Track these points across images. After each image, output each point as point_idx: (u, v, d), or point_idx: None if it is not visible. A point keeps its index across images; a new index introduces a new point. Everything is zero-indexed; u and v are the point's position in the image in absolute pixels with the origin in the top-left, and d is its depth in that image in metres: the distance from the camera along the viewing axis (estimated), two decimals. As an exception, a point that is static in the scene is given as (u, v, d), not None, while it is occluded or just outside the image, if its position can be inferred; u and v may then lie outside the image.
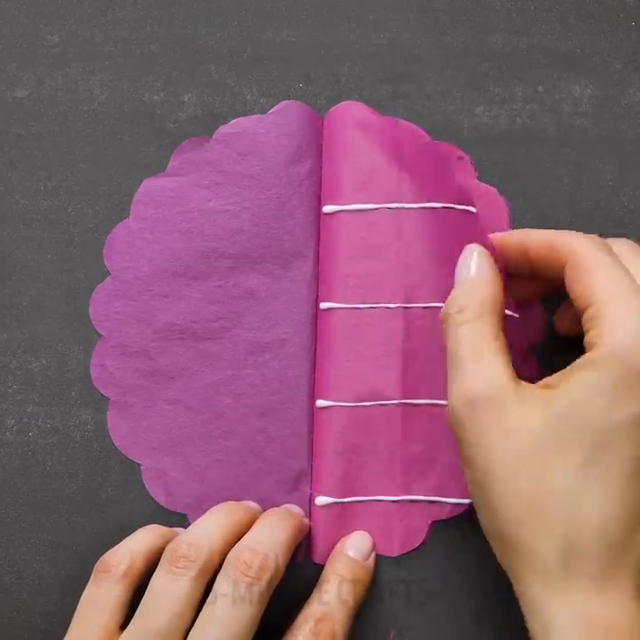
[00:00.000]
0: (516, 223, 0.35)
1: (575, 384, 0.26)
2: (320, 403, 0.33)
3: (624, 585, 0.26)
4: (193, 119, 0.35)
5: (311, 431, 0.33)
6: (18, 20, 0.36)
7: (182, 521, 0.33)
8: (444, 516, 0.33)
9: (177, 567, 0.29)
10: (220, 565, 0.29)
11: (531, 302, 0.34)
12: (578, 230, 0.35)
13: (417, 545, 0.33)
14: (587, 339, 0.27)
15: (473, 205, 0.32)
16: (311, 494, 0.33)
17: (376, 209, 0.34)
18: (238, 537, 0.30)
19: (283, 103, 0.35)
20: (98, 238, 0.35)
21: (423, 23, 0.36)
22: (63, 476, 0.34)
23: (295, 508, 0.33)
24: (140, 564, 0.30)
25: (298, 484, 0.33)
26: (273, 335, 0.34)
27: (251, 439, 0.34)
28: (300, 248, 0.34)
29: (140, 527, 0.32)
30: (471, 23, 0.36)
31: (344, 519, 0.33)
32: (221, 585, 0.28)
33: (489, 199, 0.34)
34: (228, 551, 0.29)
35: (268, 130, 0.35)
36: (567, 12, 0.36)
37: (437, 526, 0.33)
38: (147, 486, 0.34)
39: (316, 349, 0.34)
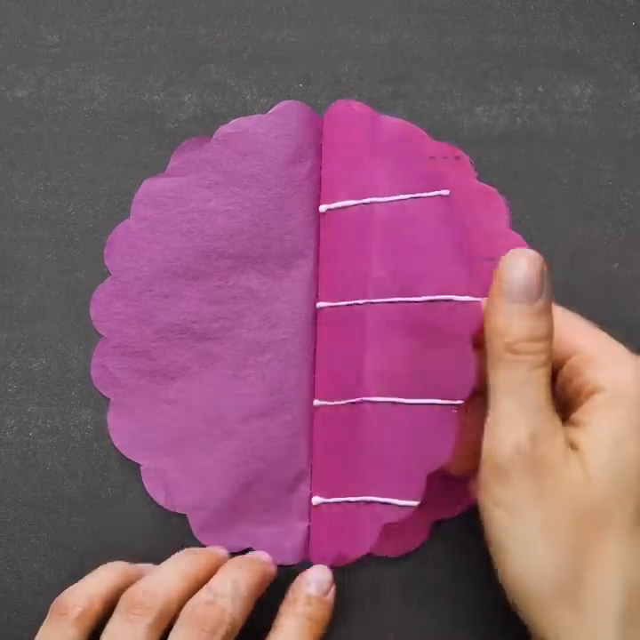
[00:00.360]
0: (515, 223, 0.35)
1: (604, 432, 0.25)
2: (317, 402, 0.33)
3: None
4: (193, 119, 0.35)
5: (311, 431, 0.33)
6: (18, 20, 0.36)
7: (182, 521, 0.33)
8: (444, 516, 0.33)
9: (133, 614, 0.28)
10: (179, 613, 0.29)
11: None
12: (578, 230, 0.35)
13: (417, 545, 0.33)
14: (573, 385, 0.27)
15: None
16: (310, 494, 0.33)
17: (373, 206, 0.34)
18: (200, 584, 0.29)
19: (283, 103, 0.35)
20: (98, 238, 0.35)
21: (423, 23, 0.36)
22: (63, 476, 0.34)
23: (264, 557, 0.32)
24: (97, 606, 0.29)
25: (297, 484, 0.33)
26: (273, 335, 0.34)
27: (251, 439, 0.33)
28: (301, 248, 0.34)
29: (140, 527, 0.32)
30: (471, 23, 0.36)
31: (343, 519, 0.33)
32: (176, 636, 0.28)
33: (489, 199, 0.34)
34: (188, 598, 0.29)
35: (268, 130, 0.34)
36: (567, 12, 0.36)
37: (437, 526, 0.33)
38: (146, 486, 0.34)
39: (316, 349, 0.34)
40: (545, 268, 0.26)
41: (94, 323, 0.34)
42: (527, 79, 0.36)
